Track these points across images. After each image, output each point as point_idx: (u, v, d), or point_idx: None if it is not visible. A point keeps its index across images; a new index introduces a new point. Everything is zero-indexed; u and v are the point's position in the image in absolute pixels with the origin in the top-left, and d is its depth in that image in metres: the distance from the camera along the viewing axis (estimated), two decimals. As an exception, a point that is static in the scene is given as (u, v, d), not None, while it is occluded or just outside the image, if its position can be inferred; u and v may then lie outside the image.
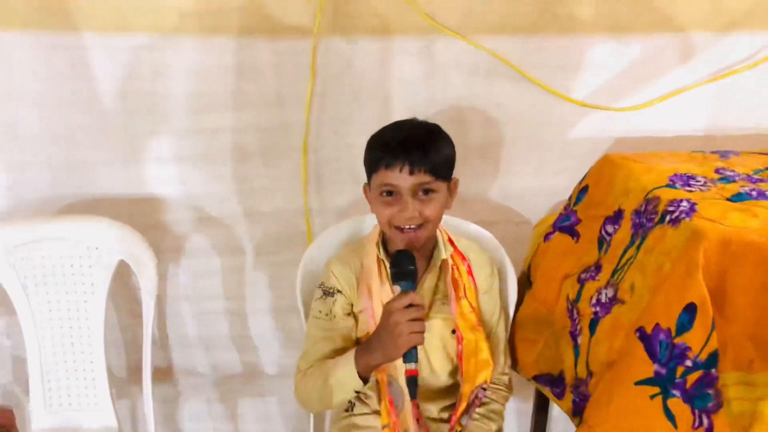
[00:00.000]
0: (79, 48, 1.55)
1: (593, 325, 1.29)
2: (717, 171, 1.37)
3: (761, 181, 1.30)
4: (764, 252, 1.05)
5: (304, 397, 1.34)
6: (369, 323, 1.32)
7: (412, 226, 1.27)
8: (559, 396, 1.40)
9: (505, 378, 1.48)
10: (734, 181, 1.30)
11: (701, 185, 1.28)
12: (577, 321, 1.36)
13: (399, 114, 1.68)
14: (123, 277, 1.68)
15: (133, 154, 1.66)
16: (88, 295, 1.62)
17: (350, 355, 1.24)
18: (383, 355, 1.19)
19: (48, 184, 1.65)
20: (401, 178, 1.24)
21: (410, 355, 1.16)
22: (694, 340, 1.06)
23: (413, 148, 1.24)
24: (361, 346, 1.25)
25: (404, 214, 1.25)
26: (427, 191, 1.26)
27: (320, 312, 1.36)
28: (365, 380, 1.23)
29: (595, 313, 1.30)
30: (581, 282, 1.38)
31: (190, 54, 1.58)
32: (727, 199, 1.20)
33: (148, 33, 1.55)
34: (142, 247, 1.59)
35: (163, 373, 1.88)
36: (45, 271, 1.61)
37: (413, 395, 1.19)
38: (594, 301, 1.31)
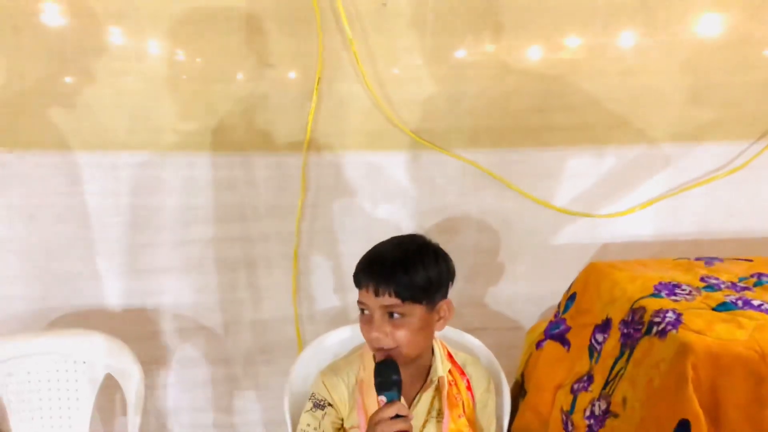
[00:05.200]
0: (73, 166, 1.60)
1: (588, 439, 1.27)
2: (702, 279, 1.38)
3: (746, 289, 1.32)
4: (753, 365, 1.05)
5: None
6: None
7: (384, 347, 1.25)
8: None
9: None
10: (719, 290, 1.31)
11: (686, 294, 1.29)
12: (571, 434, 1.34)
13: (387, 224, 1.72)
14: (110, 390, 1.65)
15: (123, 266, 1.68)
16: (72, 411, 1.59)
17: None
18: None
19: (39, 296, 1.66)
20: (368, 298, 1.24)
21: None
22: (691, 457, 1.04)
23: (379, 271, 1.23)
24: None
25: (373, 335, 1.24)
26: (394, 314, 1.24)
27: (308, 425, 1.32)
28: None
29: (589, 426, 1.27)
30: (574, 393, 1.37)
31: (182, 170, 1.63)
32: (713, 309, 1.21)
33: (144, 151, 1.61)
34: (129, 360, 1.56)
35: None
36: (30, 387, 1.57)
37: None
38: (588, 413, 1.29)
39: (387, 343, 1.24)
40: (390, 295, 1.22)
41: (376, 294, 1.22)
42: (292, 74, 1.66)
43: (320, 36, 1.62)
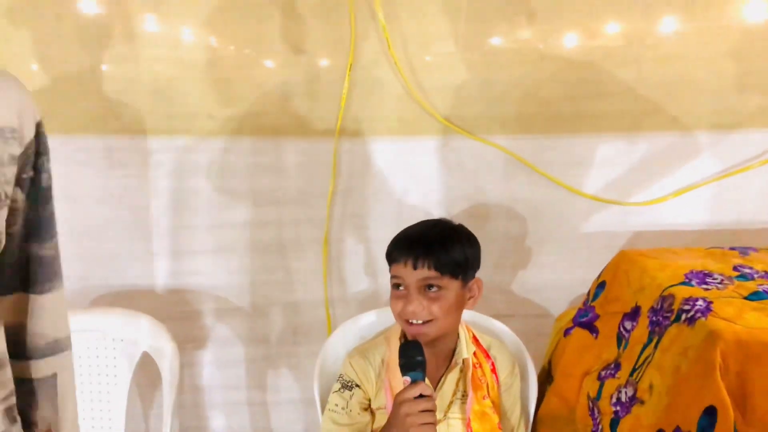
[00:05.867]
0: (112, 150, 1.65)
1: (614, 425, 1.27)
2: (735, 268, 1.37)
3: (776, 278, 1.30)
4: (783, 353, 1.04)
5: None
6: None
7: (419, 321, 1.29)
8: (583, 496, 1.36)
9: None
10: (752, 279, 1.30)
11: (718, 283, 1.28)
12: (598, 420, 1.34)
13: (417, 209, 1.74)
14: (147, 367, 1.70)
15: (160, 248, 1.73)
16: (111, 386, 1.64)
17: None
18: None
19: (79, 276, 1.71)
20: (406, 272, 1.28)
21: None
22: (716, 444, 1.04)
23: (418, 244, 1.28)
24: None
25: (408, 308, 1.28)
26: (432, 287, 1.29)
27: (336, 405, 1.36)
28: None
29: (616, 412, 1.28)
30: (601, 379, 1.37)
31: (217, 154, 1.67)
32: (745, 298, 1.20)
33: (180, 135, 1.65)
34: (165, 339, 1.61)
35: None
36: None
37: None
38: (614, 399, 1.30)
39: (423, 315, 1.28)
40: (429, 268, 1.27)
41: (415, 267, 1.27)
42: (325, 61, 1.69)
43: (353, 22, 1.63)
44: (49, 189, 0.90)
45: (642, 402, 1.21)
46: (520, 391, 1.46)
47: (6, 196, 0.78)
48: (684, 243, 1.71)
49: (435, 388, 1.33)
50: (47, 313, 0.89)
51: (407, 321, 1.30)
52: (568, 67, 1.71)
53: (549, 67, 1.71)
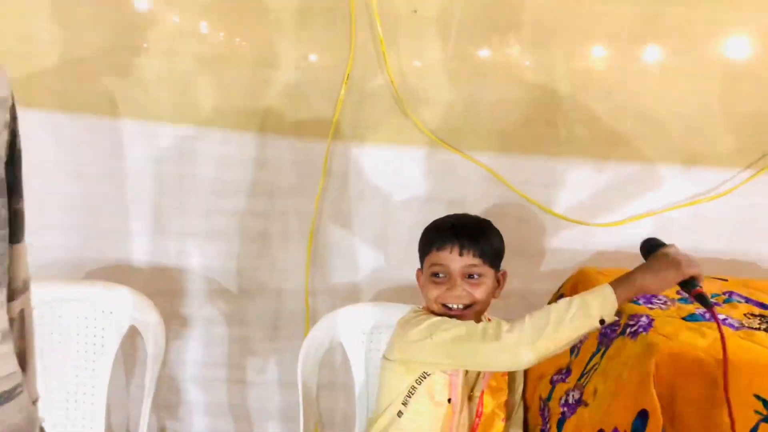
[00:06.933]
0: (120, 132, 1.76)
1: (560, 424, 1.41)
2: (678, 292, 1.52)
3: (716, 305, 1.45)
4: (709, 369, 1.19)
5: (530, 335, 1.26)
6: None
7: (460, 306, 1.40)
8: (529, 491, 1.51)
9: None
10: (691, 303, 1.45)
11: (662, 303, 1.43)
12: (547, 419, 1.48)
13: (399, 212, 1.87)
14: (133, 340, 1.80)
15: (155, 228, 1.83)
16: (97, 356, 1.72)
17: (599, 287, 1.25)
18: (659, 281, 1.23)
19: (78, 247, 1.81)
20: (451, 259, 1.38)
21: (691, 283, 1.22)
22: (646, 443, 1.19)
23: (463, 232, 1.39)
24: (615, 281, 1.26)
25: (453, 293, 1.38)
26: (473, 275, 1.39)
27: (443, 322, 1.36)
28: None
29: (563, 413, 1.42)
30: (553, 383, 1.51)
31: (217, 145, 1.78)
32: (682, 318, 1.35)
33: (184, 124, 1.76)
34: (152, 314, 1.70)
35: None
36: (60, 330, 1.72)
37: (710, 305, 1.21)
38: (562, 401, 1.44)
39: (465, 301, 1.39)
40: (474, 256, 1.38)
41: (460, 254, 1.37)
42: (325, 67, 1.80)
43: (353, 34, 1.75)
44: (20, 151, 0.99)
45: (586, 404, 1.36)
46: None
47: (1, 158, 0.89)
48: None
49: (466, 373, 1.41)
50: (21, 259, 1.01)
51: (445, 306, 1.40)
52: (548, 92, 1.84)
53: (531, 89, 1.84)
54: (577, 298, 1.27)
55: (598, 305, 1.23)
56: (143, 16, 1.74)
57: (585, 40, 1.83)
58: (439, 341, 1.35)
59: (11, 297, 0.97)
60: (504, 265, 1.90)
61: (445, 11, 1.78)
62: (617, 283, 1.26)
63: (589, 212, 1.91)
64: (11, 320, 0.98)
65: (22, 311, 1.03)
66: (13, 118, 0.95)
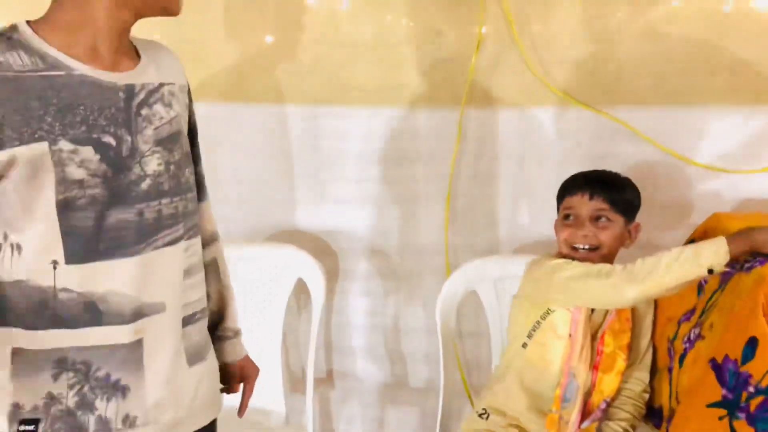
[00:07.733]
0: (284, 115, 2.07)
1: (681, 359, 1.45)
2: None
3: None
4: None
5: (639, 276, 1.36)
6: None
7: (586, 247, 1.52)
8: (658, 426, 1.55)
9: (646, 396, 1.58)
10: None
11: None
12: (673, 358, 1.52)
13: (532, 170, 1.98)
14: (300, 292, 2.11)
15: (316, 196, 2.12)
16: (273, 305, 2.03)
17: (714, 239, 1.32)
18: None
19: (254, 216, 2.15)
20: (581, 202, 1.53)
21: None
22: (756, 369, 1.20)
23: (594, 180, 1.55)
24: (732, 234, 1.33)
25: (579, 233, 1.52)
26: (601, 218, 1.51)
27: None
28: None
29: (685, 349, 1.45)
30: (679, 324, 1.54)
31: (364, 121, 2.02)
32: (804, 255, 1.32)
33: (336, 105, 2.03)
34: (316, 269, 1.99)
35: (324, 379, 2.27)
36: (243, 283, 2.06)
37: None
38: (686, 339, 1.47)
39: (591, 241, 1.52)
40: (603, 201, 1.52)
41: (591, 198, 1.52)
42: (454, 38, 1.96)
43: (482, 5, 1.89)
44: (196, 126, 1.25)
45: (703, 338, 1.38)
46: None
47: (187, 130, 1.16)
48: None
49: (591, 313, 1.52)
50: (207, 214, 1.28)
51: (573, 247, 1.54)
52: (684, 41, 1.84)
53: (665, 41, 1.85)
54: (690, 247, 1.34)
55: (710, 255, 1.30)
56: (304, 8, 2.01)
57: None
58: (559, 279, 1.47)
59: (203, 246, 1.23)
60: (647, 219, 1.93)
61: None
62: (733, 237, 1.31)
63: (733, 162, 1.86)
64: (205, 265, 1.25)
65: (215, 259, 1.31)
66: (190, 100, 1.24)
